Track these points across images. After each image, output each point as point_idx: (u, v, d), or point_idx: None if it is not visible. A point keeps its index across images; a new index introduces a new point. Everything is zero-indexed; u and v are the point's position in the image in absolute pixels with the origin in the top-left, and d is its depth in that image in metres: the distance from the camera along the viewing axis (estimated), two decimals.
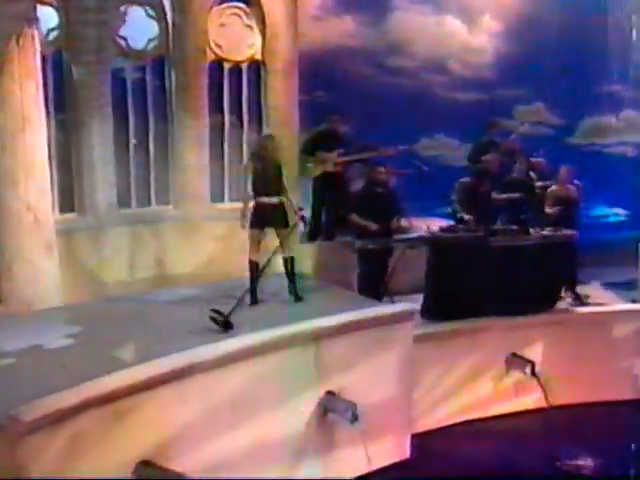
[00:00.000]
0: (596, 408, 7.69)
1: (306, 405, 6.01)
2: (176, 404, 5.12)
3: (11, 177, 6.70)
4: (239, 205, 8.71)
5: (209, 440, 5.32)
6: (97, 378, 4.68)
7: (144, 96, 8.40)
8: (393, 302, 7.59)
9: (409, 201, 9.98)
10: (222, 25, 8.63)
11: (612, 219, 13.08)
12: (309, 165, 8.91)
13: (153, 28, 8.34)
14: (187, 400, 5.21)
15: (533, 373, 7.30)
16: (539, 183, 9.03)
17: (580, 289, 8.63)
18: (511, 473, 6.72)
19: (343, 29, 11.62)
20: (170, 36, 8.38)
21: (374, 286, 7.77)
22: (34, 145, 6.78)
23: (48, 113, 7.28)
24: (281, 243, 6.92)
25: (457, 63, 12.25)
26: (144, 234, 8.25)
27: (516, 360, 7.51)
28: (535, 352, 7.60)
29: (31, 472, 4.19)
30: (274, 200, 6.90)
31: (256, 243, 6.99)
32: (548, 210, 8.45)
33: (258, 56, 8.83)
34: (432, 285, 7.65)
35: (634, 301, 10.19)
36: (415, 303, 7.38)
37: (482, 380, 7.51)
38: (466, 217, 8.01)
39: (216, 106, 8.74)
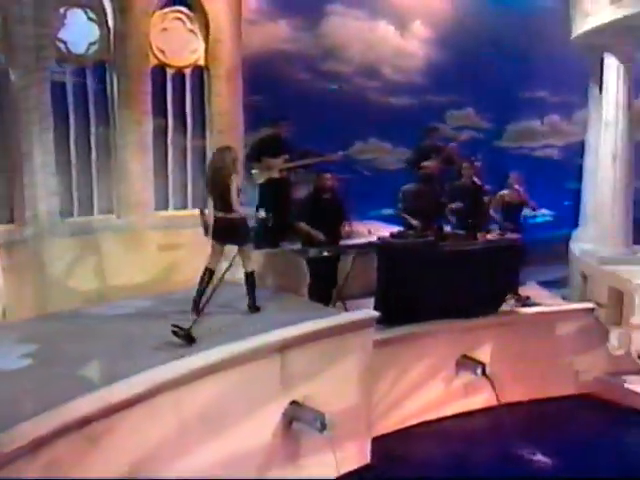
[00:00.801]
0: (542, 404, 8.02)
1: (272, 416, 5.99)
2: (148, 422, 5.00)
3: None
4: (183, 213, 8.83)
5: (181, 456, 5.25)
6: (69, 401, 4.51)
7: (85, 101, 8.10)
8: (345, 307, 7.70)
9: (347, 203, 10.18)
10: (165, 30, 8.44)
11: (539, 220, 13.65)
12: (254, 171, 8.86)
13: (94, 32, 8.04)
14: (158, 418, 5.10)
15: (484, 374, 7.50)
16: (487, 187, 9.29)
17: (521, 290, 8.95)
18: (469, 472, 6.91)
19: (279, 34, 11.66)
20: (111, 40, 8.12)
21: (325, 292, 7.84)
22: None
23: None
24: (242, 259, 6.88)
25: (390, 68, 12.52)
26: (88, 244, 7.97)
27: (466, 362, 7.71)
28: (484, 353, 7.83)
29: None
30: (233, 216, 6.76)
31: (217, 253, 6.91)
32: (494, 214, 8.71)
33: (201, 62, 8.69)
34: (383, 290, 7.73)
35: (564, 298, 10.73)
36: (366, 308, 7.52)
37: (434, 382, 7.68)
38: (414, 223, 8.12)
39: (160, 112, 8.55)
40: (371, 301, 7.78)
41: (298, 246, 8.20)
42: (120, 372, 5.19)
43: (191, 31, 8.62)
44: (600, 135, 10.07)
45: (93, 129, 8.19)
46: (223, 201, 6.73)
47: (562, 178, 13.30)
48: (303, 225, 7.81)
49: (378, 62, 12.32)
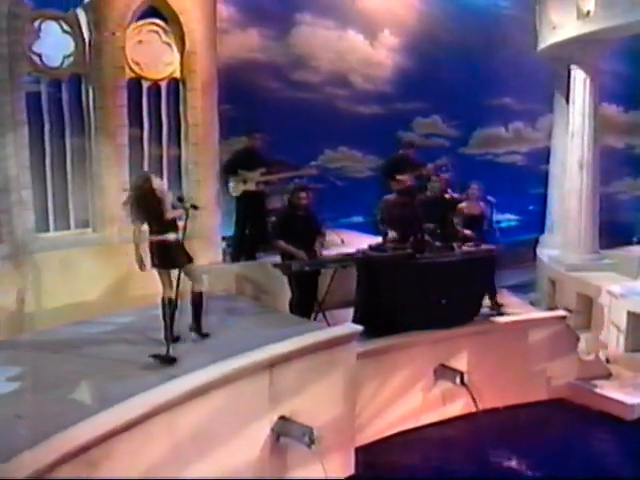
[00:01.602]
0: (518, 410, 8.23)
1: (261, 431, 6.04)
2: (144, 444, 5.01)
3: None
4: None
5: (175, 474, 5.26)
6: (69, 429, 4.50)
7: (61, 115, 8.04)
8: (327, 321, 7.79)
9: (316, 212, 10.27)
10: (140, 42, 8.42)
11: (504, 224, 13.94)
12: (231, 184, 8.90)
13: (69, 44, 7.99)
14: (153, 439, 5.11)
15: (462, 382, 7.67)
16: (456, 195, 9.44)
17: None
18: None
19: (249, 43, 11.70)
20: (87, 53, 8.07)
21: (307, 305, 7.92)
22: None
23: None
24: (191, 280, 6.64)
25: (359, 77, 12.66)
26: (64, 260, 7.89)
27: (445, 370, 7.86)
28: (461, 361, 7.97)
29: None
30: (169, 237, 6.48)
31: (166, 280, 6.54)
32: (458, 227, 8.88)
33: (177, 74, 8.68)
34: (362, 303, 7.83)
35: (532, 303, 11.02)
36: (345, 319, 7.64)
37: (413, 391, 7.79)
38: (392, 235, 8.24)
39: (135, 124, 8.51)
40: (350, 311, 7.92)
41: (277, 259, 8.25)
42: (112, 394, 5.21)
43: (167, 43, 8.62)
44: (566, 144, 10.36)
45: (68, 143, 8.14)
46: (159, 222, 6.45)
47: (526, 183, 13.65)
48: (282, 243, 7.84)
49: (347, 71, 12.46)
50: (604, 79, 10.77)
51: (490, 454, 7.47)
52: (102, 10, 8.07)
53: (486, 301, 8.88)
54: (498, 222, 13.91)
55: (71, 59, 8.02)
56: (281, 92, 11.90)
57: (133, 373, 5.79)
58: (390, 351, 7.60)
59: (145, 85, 8.56)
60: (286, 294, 8.05)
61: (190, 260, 6.62)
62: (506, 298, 10.13)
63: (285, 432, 6.14)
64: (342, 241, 10.68)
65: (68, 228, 8.18)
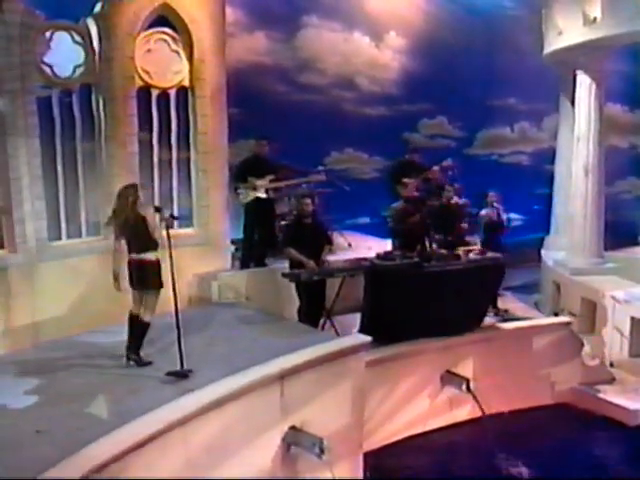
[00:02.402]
0: (522, 414, 8.37)
1: (273, 441, 6.17)
2: (159, 458, 5.13)
3: None
4: (172, 232, 8.86)
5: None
6: (89, 447, 4.63)
7: (72, 124, 8.12)
8: (336, 330, 7.92)
9: (324, 214, 10.40)
10: (149, 51, 8.49)
11: (509, 224, 14.04)
12: (240, 192, 9.00)
13: (79, 55, 8.06)
14: (168, 453, 5.24)
15: (468, 389, 7.80)
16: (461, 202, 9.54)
17: (500, 303, 9.30)
18: None
19: (256, 46, 11.77)
20: (97, 63, 8.15)
21: (315, 313, 8.05)
22: None
23: None
24: (144, 305, 6.40)
25: (365, 79, 12.73)
26: (76, 267, 8.00)
27: (451, 377, 8.00)
28: (467, 368, 8.11)
29: None
30: (145, 256, 6.34)
31: (138, 298, 6.46)
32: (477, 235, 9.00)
33: (186, 82, 8.76)
34: (369, 310, 7.95)
35: (536, 304, 11.14)
36: (352, 325, 7.98)
37: (421, 397, 7.95)
38: (400, 243, 8.35)
39: (145, 133, 8.60)
40: (357, 317, 8.06)
41: (285, 264, 8.36)
42: (129, 408, 5.35)
43: (175, 52, 8.69)
44: (571, 147, 10.43)
45: (80, 152, 8.22)
46: (139, 240, 6.35)
47: (531, 183, 13.73)
48: (293, 251, 7.97)
49: (354, 73, 12.53)
50: (609, 79, 10.82)
51: (495, 458, 7.62)
52: (112, 20, 8.14)
53: None
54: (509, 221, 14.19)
55: (82, 69, 8.09)
56: (288, 95, 11.98)
57: (148, 385, 5.92)
58: (397, 359, 7.74)
59: (154, 93, 8.64)
60: (294, 302, 8.19)
61: (158, 287, 6.38)
62: (511, 303, 10.31)
63: (296, 442, 6.27)
64: (349, 245, 10.82)
65: (80, 236, 8.27)
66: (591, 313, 9.57)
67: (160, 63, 8.59)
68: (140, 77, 8.46)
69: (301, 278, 7.64)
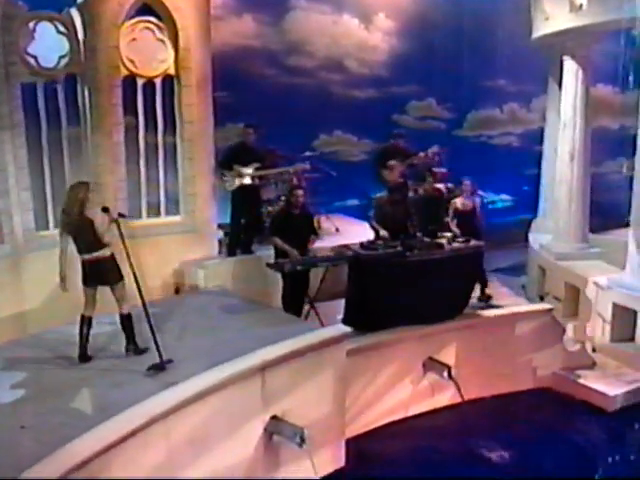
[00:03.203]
0: (503, 399, 8.54)
1: (254, 431, 6.33)
2: (141, 452, 5.28)
3: None
4: (157, 221, 9.00)
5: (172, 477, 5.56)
6: (71, 444, 4.77)
7: (57, 115, 8.17)
8: (318, 315, 8.05)
9: (310, 197, 10.48)
10: (134, 40, 8.50)
11: (499, 205, 14.17)
12: (226, 179, 9.06)
13: (64, 45, 8.08)
14: (150, 447, 5.38)
15: (450, 376, 7.94)
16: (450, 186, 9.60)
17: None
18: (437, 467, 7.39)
19: (243, 29, 11.72)
20: (82, 53, 8.17)
21: (298, 301, 8.18)
22: None
23: None
24: (117, 299, 6.51)
25: (354, 61, 12.70)
26: None
27: (433, 363, 8.13)
28: (449, 354, 8.24)
29: None
30: (98, 254, 6.38)
31: (91, 299, 6.52)
32: (451, 223, 9.07)
33: (171, 71, 8.78)
34: (353, 299, 8.08)
35: (523, 286, 11.26)
36: (336, 311, 8.12)
37: (403, 384, 8.08)
38: (383, 233, 8.43)
39: (131, 122, 8.65)
40: (340, 303, 8.20)
41: (272, 252, 8.45)
42: (112, 402, 5.50)
43: (160, 40, 8.69)
44: (558, 133, 10.46)
45: (65, 141, 8.29)
46: (86, 241, 6.37)
47: (521, 164, 13.75)
48: (278, 241, 8.07)
49: (343, 56, 12.49)
50: (599, 60, 10.81)
51: (476, 443, 7.82)
52: (96, 9, 8.15)
53: (476, 292, 9.15)
54: (493, 203, 14.23)
55: (66, 59, 8.14)
56: (276, 78, 11.95)
57: (132, 378, 6.04)
58: (380, 347, 7.85)
59: (140, 82, 8.66)
60: (280, 289, 8.31)
61: (121, 278, 6.45)
62: (497, 287, 10.43)
63: (277, 431, 6.43)
64: (337, 229, 10.90)
65: None
66: (575, 298, 9.70)
67: (145, 52, 8.61)
68: (125, 66, 8.50)
69: (284, 269, 7.73)
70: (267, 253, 8.71)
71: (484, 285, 9.31)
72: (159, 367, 6.14)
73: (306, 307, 8.33)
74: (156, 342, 6.15)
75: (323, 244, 9.38)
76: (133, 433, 5.15)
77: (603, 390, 8.34)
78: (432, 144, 10.62)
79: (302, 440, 6.27)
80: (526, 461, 7.64)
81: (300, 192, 8.29)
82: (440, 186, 9.68)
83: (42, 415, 5.37)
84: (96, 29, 8.16)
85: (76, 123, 8.33)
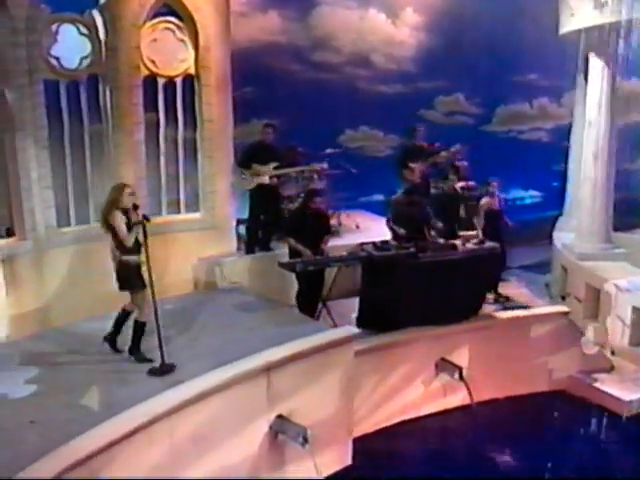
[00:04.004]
0: (517, 401, 8.51)
1: (259, 430, 6.46)
2: (145, 449, 5.46)
3: None
4: (177, 218, 9.17)
5: (175, 475, 5.72)
6: (75, 440, 4.96)
7: (80, 115, 8.36)
8: (330, 315, 8.13)
9: (334, 192, 10.55)
10: (155, 40, 8.64)
11: (527, 201, 14.01)
12: (244, 177, 9.18)
13: (86, 46, 8.24)
14: (154, 444, 5.55)
15: (461, 377, 7.96)
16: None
17: (502, 289, 9.39)
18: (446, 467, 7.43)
19: (269, 25, 11.77)
20: (103, 53, 8.33)
21: (312, 300, 8.27)
22: None
23: None
24: (135, 306, 6.64)
25: (381, 57, 12.65)
26: (86, 253, 8.30)
27: (445, 364, 8.16)
28: (462, 355, 8.26)
29: None
30: (119, 259, 6.55)
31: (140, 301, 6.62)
32: (478, 224, 9.03)
33: (192, 70, 8.90)
34: (366, 300, 8.18)
35: (547, 285, 11.14)
36: (349, 309, 8.24)
37: (415, 384, 8.13)
38: (401, 232, 8.46)
39: (152, 121, 8.81)
40: (354, 301, 8.31)
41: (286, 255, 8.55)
42: (120, 400, 5.69)
43: (181, 40, 8.81)
44: (584, 131, 10.29)
45: (87, 141, 8.47)
46: (113, 244, 6.56)
47: (550, 160, 13.53)
48: (292, 241, 8.17)
49: (369, 51, 12.45)
50: (630, 53, 10.57)
51: (485, 444, 7.83)
52: (117, 10, 8.30)
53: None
54: (522, 199, 14.07)
55: (88, 60, 8.28)
56: (302, 73, 11.99)
57: (140, 377, 6.23)
58: (393, 346, 7.92)
59: (161, 82, 8.81)
60: (296, 287, 8.41)
61: (143, 286, 6.50)
62: (517, 286, 10.35)
63: (282, 430, 6.55)
64: (357, 226, 10.94)
65: (88, 222, 8.54)
66: (595, 299, 9.57)
67: (166, 52, 8.74)
68: (146, 66, 8.64)
69: (296, 269, 7.82)
70: (285, 251, 8.80)
71: (495, 286, 9.26)
72: (159, 372, 6.28)
73: (319, 306, 8.42)
74: (161, 347, 6.30)
75: (342, 242, 9.49)
76: (136, 431, 5.32)
77: (618, 395, 8.25)
78: (460, 140, 10.63)
79: (305, 440, 6.38)
80: (536, 464, 7.63)
81: (319, 199, 8.36)
82: (459, 185, 9.63)
83: (52, 411, 5.58)
84: (117, 30, 8.31)
85: (97, 122, 8.48)
